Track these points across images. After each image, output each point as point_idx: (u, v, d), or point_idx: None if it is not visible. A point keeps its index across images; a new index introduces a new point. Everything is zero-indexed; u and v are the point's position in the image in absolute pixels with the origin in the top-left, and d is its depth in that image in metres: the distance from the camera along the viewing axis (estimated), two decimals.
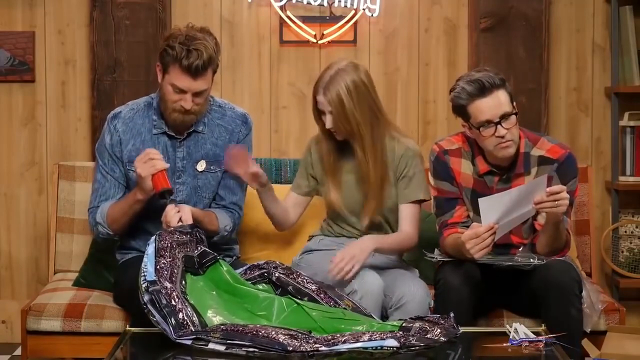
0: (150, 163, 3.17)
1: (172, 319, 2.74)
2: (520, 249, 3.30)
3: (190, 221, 3.14)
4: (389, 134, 3.45)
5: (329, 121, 3.37)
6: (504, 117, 3.15)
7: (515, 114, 3.18)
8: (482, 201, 3.06)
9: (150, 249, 2.89)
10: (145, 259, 2.87)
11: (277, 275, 3.08)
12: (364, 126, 3.36)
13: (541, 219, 3.22)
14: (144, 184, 3.20)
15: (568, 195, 3.05)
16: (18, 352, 3.90)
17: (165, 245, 2.93)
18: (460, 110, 3.22)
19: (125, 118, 3.39)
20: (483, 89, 3.15)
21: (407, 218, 3.44)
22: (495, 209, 3.05)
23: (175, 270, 2.89)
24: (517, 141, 3.22)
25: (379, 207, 3.44)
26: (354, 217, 3.49)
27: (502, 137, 3.16)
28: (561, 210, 3.05)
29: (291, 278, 3.08)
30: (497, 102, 3.15)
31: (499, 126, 3.15)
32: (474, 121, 3.18)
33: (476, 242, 3.07)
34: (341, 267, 3.21)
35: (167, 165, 3.21)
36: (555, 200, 3.02)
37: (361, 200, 3.45)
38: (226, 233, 3.42)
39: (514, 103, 3.21)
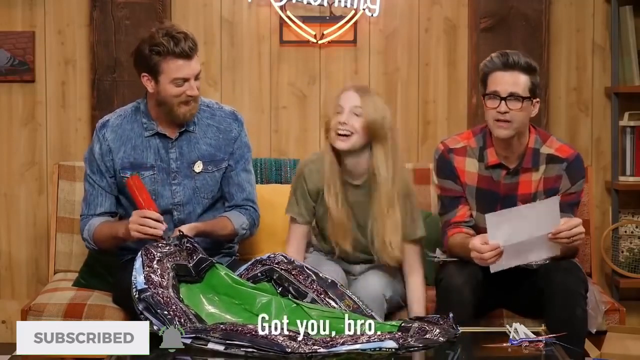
0: (146, 230, 3.14)
1: (169, 319, 2.75)
2: None
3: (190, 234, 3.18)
4: (395, 161, 3.32)
5: (350, 118, 3.27)
6: (512, 96, 3.18)
7: (525, 99, 3.18)
8: (489, 217, 3.04)
9: (138, 263, 2.92)
10: (134, 272, 2.89)
11: (278, 274, 3.09)
12: (388, 128, 3.30)
13: None
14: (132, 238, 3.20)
15: (583, 230, 3.06)
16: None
17: (152, 258, 2.95)
18: (482, 78, 3.27)
19: (114, 126, 3.40)
20: (506, 64, 3.20)
21: (416, 261, 3.38)
22: (503, 227, 3.02)
23: (165, 277, 2.90)
24: (517, 127, 3.22)
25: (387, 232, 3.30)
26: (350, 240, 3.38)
27: (502, 114, 3.18)
28: (578, 244, 3.09)
29: (293, 275, 3.08)
30: (513, 80, 3.19)
31: (502, 102, 3.18)
32: (487, 90, 3.22)
33: (477, 257, 3.08)
34: None
35: (163, 229, 3.16)
36: (570, 237, 3.03)
37: (367, 224, 3.33)
38: (245, 231, 3.42)
39: (536, 97, 3.22)
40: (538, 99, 3.26)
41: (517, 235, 3.03)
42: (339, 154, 3.32)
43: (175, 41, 3.23)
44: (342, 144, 3.28)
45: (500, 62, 3.22)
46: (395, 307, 3.38)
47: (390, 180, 3.29)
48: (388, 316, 3.33)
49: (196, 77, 3.30)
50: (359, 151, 3.30)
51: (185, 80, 3.26)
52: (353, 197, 3.36)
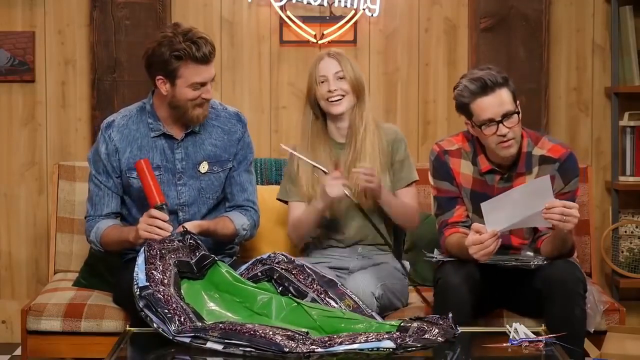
0: (155, 230, 3.13)
1: (169, 317, 2.75)
2: (522, 250, 3.30)
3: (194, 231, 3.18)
4: (373, 115, 3.54)
5: (337, 83, 3.45)
6: (506, 115, 3.15)
7: (518, 112, 3.18)
8: (484, 205, 3.05)
9: (140, 259, 2.93)
10: (136, 268, 2.90)
11: (278, 273, 3.09)
12: (365, 85, 3.52)
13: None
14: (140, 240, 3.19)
15: (578, 214, 3.04)
16: (18, 352, 3.90)
17: (155, 254, 2.95)
18: (463, 108, 3.22)
19: (120, 126, 3.39)
20: (485, 88, 3.15)
21: (410, 196, 3.54)
22: (498, 213, 3.04)
23: (167, 274, 2.90)
24: (519, 140, 3.22)
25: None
26: (340, 220, 3.51)
27: (504, 135, 3.16)
28: (569, 227, 3.04)
29: (293, 274, 3.09)
30: (499, 101, 3.15)
31: (500, 125, 3.15)
32: (476, 119, 3.18)
33: (480, 248, 3.07)
34: (360, 173, 3.35)
35: (170, 230, 3.15)
36: (564, 215, 3.02)
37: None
38: (245, 232, 3.42)
39: (517, 102, 3.21)
40: (517, 102, 3.22)
41: (512, 217, 3.04)
42: (325, 119, 3.52)
43: (197, 46, 3.21)
44: (339, 108, 3.47)
45: (477, 88, 3.16)
46: (390, 308, 3.38)
47: (370, 131, 3.47)
48: (386, 318, 3.33)
49: (211, 80, 3.31)
50: (349, 110, 3.49)
51: (203, 84, 3.27)
52: (339, 154, 3.51)
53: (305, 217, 3.47)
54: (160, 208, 3.16)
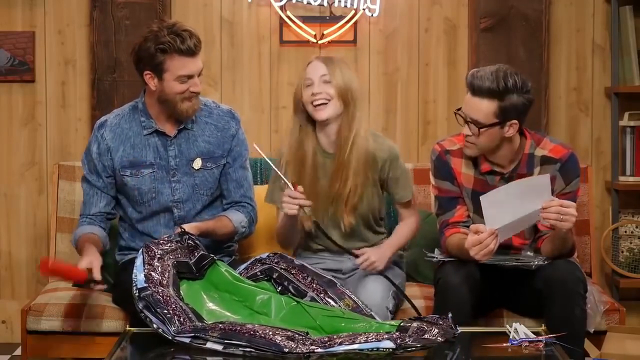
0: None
1: (169, 318, 2.75)
2: (522, 250, 3.30)
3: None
4: (365, 127, 3.40)
5: (322, 87, 3.32)
6: (472, 122, 3.16)
7: (487, 127, 3.13)
8: (483, 199, 3.06)
9: (139, 261, 2.93)
10: (134, 270, 2.90)
11: (278, 273, 3.09)
12: (357, 94, 3.37)
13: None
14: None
15: (576, 213, 3.04)
16: (18, 352, 3.90)
17: (153, 255, 2.95)
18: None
19: (112, 125, 3.40)
20: (472, 87, 3.17)
21: (406, 215, 3.50)
22: (498, 210, 3.04)
23: (166, 275, 2.91)
24: (481, 148, 3.19)
25: (358, 202, 3.37)
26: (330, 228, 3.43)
27: (465, 135, 3.18)
28: (567, 226, 3.04)
29: (292, 274, 3.09)
30: (475, 106, 3.14)
31: (466, 124, 3.17)
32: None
33: (480, 248, 3.06)
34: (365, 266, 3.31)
35: (105, 287, 3.18)
36: (560, 214, 3.01)
37: (336, 200, 3.38)
38: (244, 229, 3.43)
39: (508, 120, 3.14)
40: (514, 121, 3.16)
41: (512, 215, 3.04)
42: (314, 126, 3.40)
43: (182, 39, 3.24)
44: (322, 114, 3.33)
45: (468, 83, 3.18)
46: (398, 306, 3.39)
47: (357, 144, 3.33)
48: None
49: (199, 74, 3.32)
50: (336, 118, 3.35)
51: (190, 77, 3.28)
52: (326, 163, 3.41)
53: (281, 225, 3.42)
54: (89, 282, 3.13)
